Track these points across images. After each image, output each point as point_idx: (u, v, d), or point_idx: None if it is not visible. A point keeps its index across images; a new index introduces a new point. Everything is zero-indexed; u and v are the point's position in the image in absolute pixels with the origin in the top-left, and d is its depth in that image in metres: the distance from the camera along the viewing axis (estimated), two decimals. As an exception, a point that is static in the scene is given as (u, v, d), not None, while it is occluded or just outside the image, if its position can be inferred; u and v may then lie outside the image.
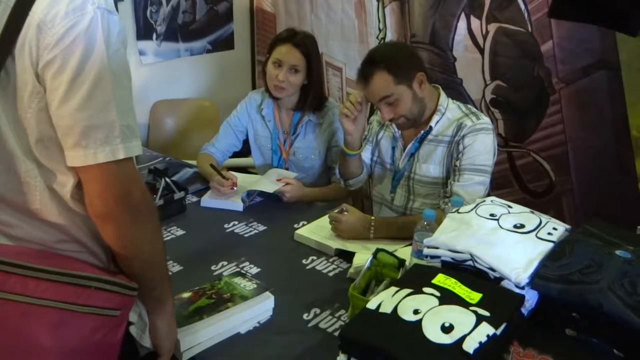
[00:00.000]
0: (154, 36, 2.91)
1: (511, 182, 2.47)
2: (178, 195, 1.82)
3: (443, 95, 1.77)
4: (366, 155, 1.93)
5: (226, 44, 3.29)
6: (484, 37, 2.39)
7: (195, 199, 1.96)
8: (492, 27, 2.34)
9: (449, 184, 1.71)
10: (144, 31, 2.86)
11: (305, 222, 1.77)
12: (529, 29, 2.23)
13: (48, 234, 0.91)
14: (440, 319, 0.97)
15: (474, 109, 1.76)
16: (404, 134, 1.83)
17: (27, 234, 0.91)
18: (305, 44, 1.95)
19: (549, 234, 1.17)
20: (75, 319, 0.86)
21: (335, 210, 1.69)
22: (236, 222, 1.79)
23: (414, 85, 1.68)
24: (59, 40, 0.80)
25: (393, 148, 1.86)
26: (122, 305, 0.92)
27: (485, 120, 1.71)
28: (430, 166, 1.75)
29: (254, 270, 1.51)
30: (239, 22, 3.33)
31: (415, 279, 1.11)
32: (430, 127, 1.74)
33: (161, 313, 1.03)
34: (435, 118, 1.74)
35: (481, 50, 2.41)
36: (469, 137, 1.67)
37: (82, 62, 0.80)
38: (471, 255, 1.13)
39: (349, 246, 1.61)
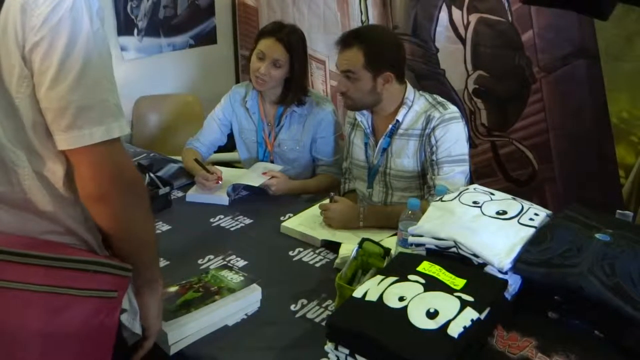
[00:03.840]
0: (135, 31, 2.89)
1: (495, 171, 2.50)
2: (163, 190, 1.81)
3: (409, 88, 1.78)
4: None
5: (209, 38, 3.27)
6: (466, 28, 2.40)
7: (180, 194, 1.95)
8: (473, 18, 2.36)
9: (429, 179, 1.73)
10: (125, 26, 2.83)
11: (291, 215, 1.78)
12: (510, 18, 2.26)
13: (37, 224, 0.89)
14: (425, 305, 0.98)
15: (440, 99, 1.77)
16: (375, 129, 1.85)
17: (14, 227, 0.89)
18: (290, 39, 1.94)
19: (531, 219, 1.19)
20: (76, 303, 0.86)
21: (326, 200, 1.70)
22: (222, 216, 1.79)
23: (378, 79, 1.69)
24: (44, 21, 0.78)
25: (365, 144, 1.87)
26: (119, 286, 0.92)
27: (452, 109, 1.73)
28: (404, 160, 1.77)
29: (241, 263, 1.51)
30: (221, 16, 3.31)
31: (401, 267, 1.13)
32: (397, 121, 1.75)
33: (153, 293, 1.03)
34: (402, 111, 1.75)
35: (463, 41, 2.42)
36: (439, 129, 1.69)
37: (71, 42, 0.79)
38: (455, 242, 1.14)
39: (337, 236, 1.62)
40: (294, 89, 2.00)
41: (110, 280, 0.90)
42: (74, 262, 0.87)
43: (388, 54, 1.71)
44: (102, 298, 0.89)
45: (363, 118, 1.83)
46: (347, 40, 1.69)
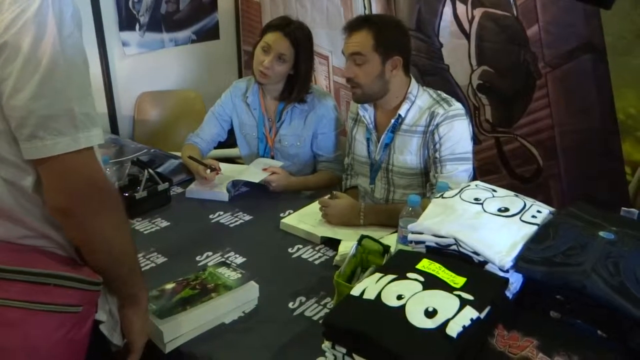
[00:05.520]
0: (137, 27, 2.87)
1: (499, 167, 2.47)
2: (162, 186, 1.79)
3: (414, 83, 1.76)
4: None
5: (211, 33, 3.25)
6: (470, 23, 2.37)
7: (180, 190, 1.94)
8: (478, 12, 2.33)
9: (432, 177, 1.70)
10: (127, 22, 2.81)
11: (291, 211, 1.76)
12: (515, 13, 2.22)
13: (9, 230, 0.87)
14: (424, 303, 0.96)
15: (444, 95, 1.74)
16: (378, 124, 1.82)
17: None
18: (296, 34, 1.92)
19: (533, 216, 1.17)
20: (35, 317, 0.83)
21: (326, 196, 1.69)
22: (221, 213, 1.77)
23: (387, 64, 1.67)
24: (7, 28, 0.76)
25: (368, 139, 1.85)
26: (85, 301, 0.89)
27: (457, 106, 1.70)
28: (407, 157, 1.75)
29: (240, 260, 1.50)
30: (224, 11, 3.29)
31: (400, 264, 1.10)
32: (400, 115, 1.73)
33: (134, 307, 1.00)
34: (405, 106, 1.72)
35: (467, 36, 2.39)
36: (443, 126, 1.66)
37: (33, 49, 0.76)
38: (455, 239, 1.12)
39: (337, 233, 1.60)
40: (298, 87, 1.97)
41: (73, 295, 0.87)
42: (32, 275, 0.84)
43: (397, 38, 1.70)
44: (64, 313, 0.86)
45: (366, 113, 1.81)
46: (357, 24, 1.69)
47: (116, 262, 0.94)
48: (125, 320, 1.00)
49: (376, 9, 2.69)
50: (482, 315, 0.95)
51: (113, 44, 2.77)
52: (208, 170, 1.88)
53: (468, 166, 1.68)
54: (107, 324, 0.97)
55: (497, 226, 1.14)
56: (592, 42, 2.06)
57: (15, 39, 0.76)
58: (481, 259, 1.09)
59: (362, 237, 1.34)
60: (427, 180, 1.76)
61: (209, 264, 1.47)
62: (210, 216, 1.76)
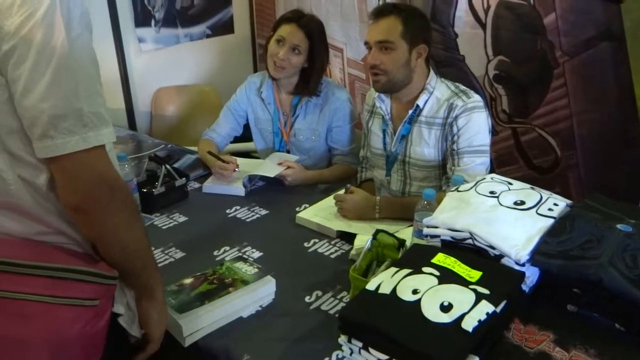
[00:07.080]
0: (153, 22, 2.89)
1: (516, 158, 2.44)
2: (179, 182, 1.82)
3: (432, 74, 1.75)
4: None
5: (226, 28, 3.26)
6: (486, 12, 2.34)
7: (197, 185, 1.96)
8: (494, 1, 2.30)
9: (449, 170, 1.70)
10: (142, 18, 2.83)
11: (306, 205, 1.77)
12: (531, 1, 2.19)
13: (27, 226, 0.90)
14: (439, 298, 0.96)
15: (463, 87, 1.73)
16: (394, 116, 1.81)
17: (5, 228, 0.90)
18: (310, 26, 1.93)
19: (550, 209, 1.16)
20: (54, 311, 0.85)
21: (341, 191, 1.69)
22: (238, 207, 1.79)
23: (413, 52, 1.67)
24: (16, 30, 0.77)
25: (384, 131, 1.84)
26: (101, 294, 0.91)
27: (476, 98, 1.69)
28: (425, 149, 1.74)
29: (256, 254, 1.51)
30: (238, 5, 3.29)
31: (415, 258, 1.11)
32: (417, 106, 1.72)
33: (150, 300, 1.02)
34: (423, 97, 1.71)
35: (483, 25, 2.36)
36: (462, 118, 1.65)
37: (42, 50, 0.78)
38: (470, 233, 1.12)
39: (352, 227, 1.61)
40: (313, 80, 1.98)
41: (89, 289, 0.89)
42: (49, 270, 0.86)
43: (423, 26, 1.70)
44: (80, 306, 0.88)
45: (382, 104, 1.80)
46: (384, 10, 1.68)
47: (130, 257, 0.96)
48: (142, 312, 1.02)
49: (391, 1, 2.67)
50: (498, 310, 0.95)
51: (129, 40, 2.80)
52: (228, 167, 1.90)
53: (485, 159, 1.67)
54: (126, 317, 0.99)
55: (512, 219, 1.14)
56: (611, 29, 2.02)
57: (25, 41, 0.78)
58: (497, 252, 1.09)
59: (378, 231, 1.35)
60: (444, 173, 1.75)
61: (226, 258, 1.48)
62: (227, 211, 1.77)
